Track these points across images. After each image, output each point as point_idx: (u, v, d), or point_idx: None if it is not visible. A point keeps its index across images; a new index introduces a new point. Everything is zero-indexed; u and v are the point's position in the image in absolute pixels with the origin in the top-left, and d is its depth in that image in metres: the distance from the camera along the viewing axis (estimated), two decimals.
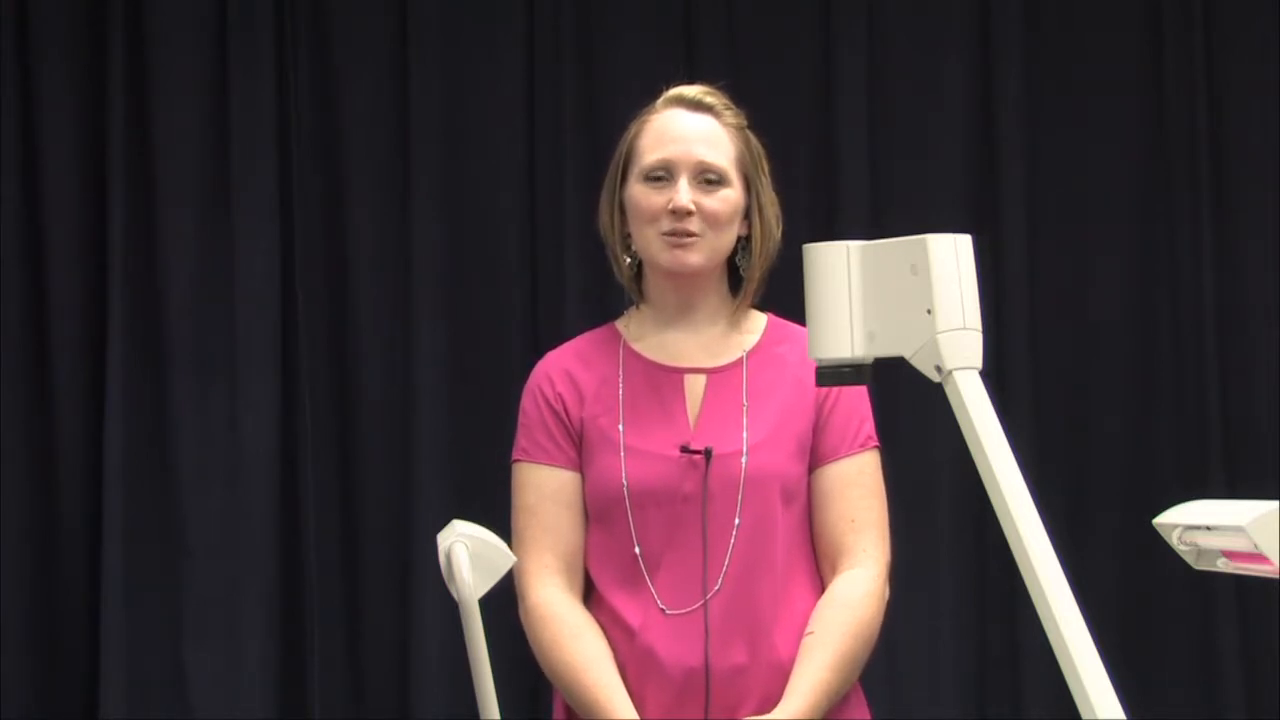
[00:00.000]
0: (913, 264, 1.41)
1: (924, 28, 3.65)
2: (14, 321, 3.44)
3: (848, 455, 2.27)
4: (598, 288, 3.30)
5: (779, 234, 2.31)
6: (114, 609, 3.39)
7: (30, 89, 3.48)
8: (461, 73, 3.58)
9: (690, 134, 2.26)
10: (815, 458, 2.26)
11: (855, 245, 1.48)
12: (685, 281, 2.27)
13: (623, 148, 2.31)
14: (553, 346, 2.39)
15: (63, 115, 3.48)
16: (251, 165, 3.51)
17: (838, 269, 1.47)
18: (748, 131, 2.30)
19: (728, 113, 2.29)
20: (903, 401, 3.27)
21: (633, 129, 2.30)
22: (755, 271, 2.29)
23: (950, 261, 1.40)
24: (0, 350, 3.42)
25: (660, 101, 2.31)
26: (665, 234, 2.23)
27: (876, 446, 2.30)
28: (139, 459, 3.44)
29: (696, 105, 2.29)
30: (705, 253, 2.24)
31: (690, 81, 2.34)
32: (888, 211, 3.58)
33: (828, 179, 3.62)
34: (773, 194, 2.31)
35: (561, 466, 2.27)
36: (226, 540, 3.47)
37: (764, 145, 2.31)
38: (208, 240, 3.51)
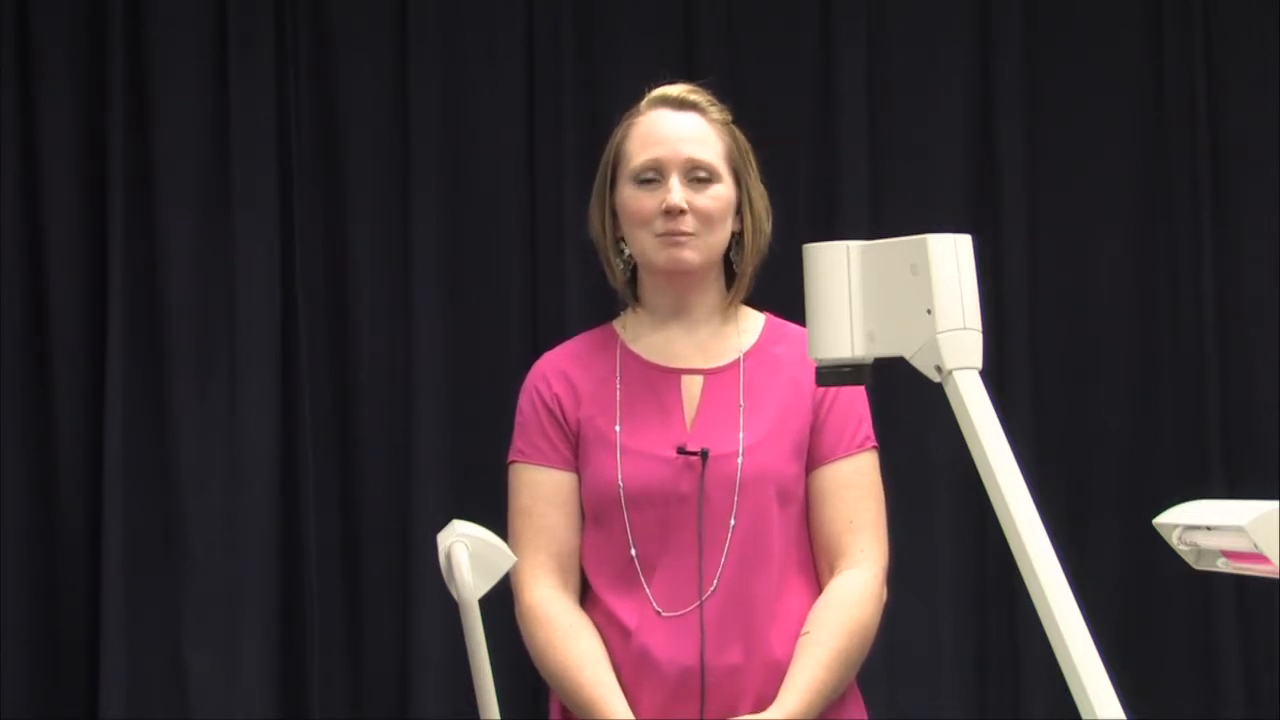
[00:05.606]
0: (913, 264, 1.41)
1: (924, 27, 3.65)
2: (14, 321, 3.44)
3: (845, 456, 2.26)
4: (598, 287, 3.30)
5: (769, 228, 2.30)
6: (114, 609, 3.39)
7: (30, 89, 3.47)
8: (461, 72, 3.58)
9: (677, 133, 2.25)
10: (813, 458, 2.26)
11: (855, 245, 1.48)
12: (682, 281, 2.27)
13: (610, 151, 2.30)
14: (552, 346, 2.39)
15: (63, 115, 3.48)
16: (251, 165, 3.50)
17: (838, 269, 1.47)
18: (734, 126, 2.30)
19: (713, 109, 2.29)
20: (903, 401, 3.27)
21: (619, 132, 2.30)
22: (747, 266, 2.29)
23: (950, 261, 1.40)
24: (1, 350, 3.42)
25: (644, 103, 2.30)
26: (660, 235, 2.23)
27: (874, 447, 2.30)
28: (139, 459, 3.44)
29: (681, 104, 2.28)
30: (701, 250, 2.24)
31: (676, 80, 2.33)
32: (888, 211, 3.58)
33: (828, 179, 3.62)
34: (762, 188, 2.30)
35: (557, 467, 2.27)
36: (226, 540, 3.46)
37: (750, 139, 2.30)
38: (208, 240, 3.50)
